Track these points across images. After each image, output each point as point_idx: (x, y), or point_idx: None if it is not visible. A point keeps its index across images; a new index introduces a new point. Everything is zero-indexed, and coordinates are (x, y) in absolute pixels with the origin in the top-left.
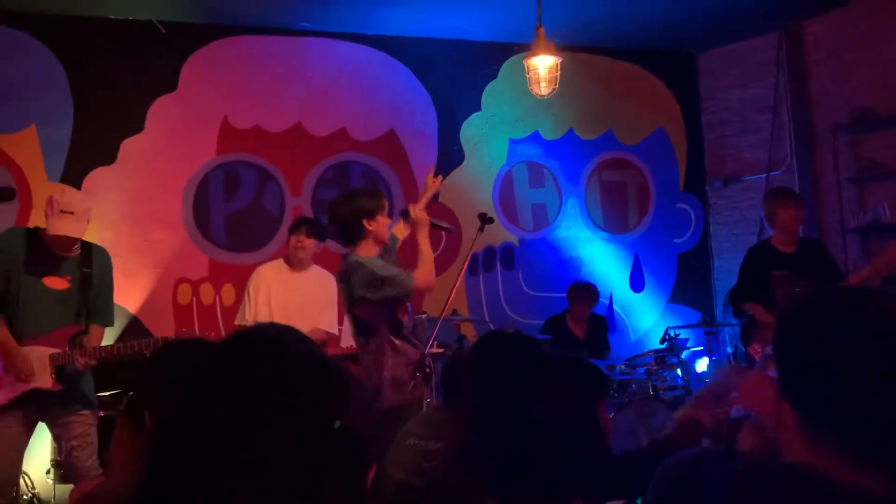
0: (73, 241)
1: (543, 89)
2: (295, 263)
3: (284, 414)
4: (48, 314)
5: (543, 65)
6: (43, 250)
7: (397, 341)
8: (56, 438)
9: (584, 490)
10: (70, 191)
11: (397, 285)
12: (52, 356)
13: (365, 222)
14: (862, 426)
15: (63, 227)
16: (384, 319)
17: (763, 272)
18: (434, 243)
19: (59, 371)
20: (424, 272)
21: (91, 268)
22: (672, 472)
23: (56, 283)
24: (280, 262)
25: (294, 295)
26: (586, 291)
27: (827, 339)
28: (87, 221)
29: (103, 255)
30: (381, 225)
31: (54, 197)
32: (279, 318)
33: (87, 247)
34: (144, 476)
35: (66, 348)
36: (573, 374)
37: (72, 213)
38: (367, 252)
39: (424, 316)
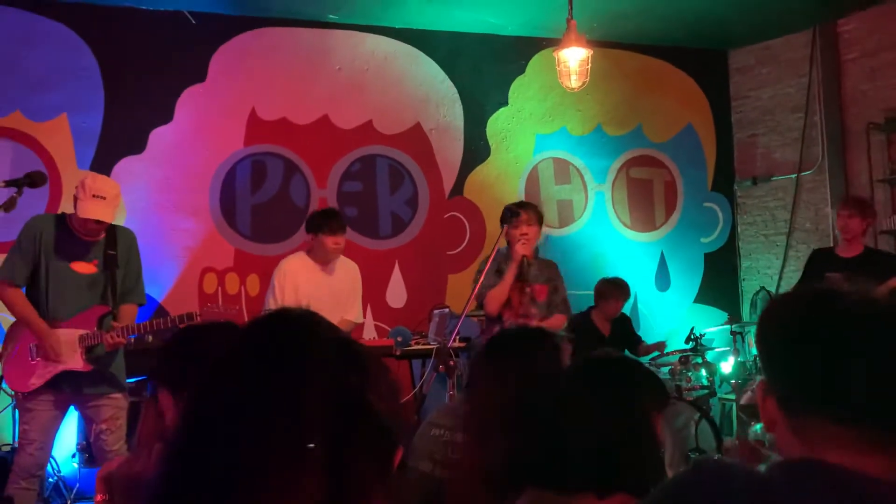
0: (103, 225)
1: (574, 82)
2: (324, 260)
3: (307, 393)
4: (77, 298)
5: (575, 57)
6: (71, 236)
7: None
8: (86, 420)
9: (625, 487)
10: (101, 176)
11: (477, 289)
12: (81, 337)
13: (504, 226)
14: (849, 404)
15: (94, 211)
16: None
17: (819, 274)
18: (458, 237)
19: (89, 352)
20: (491, 295)
21: (116, 249)
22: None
23: (84, 267)
24: (304, 256)
25: (322, 291)
26: (619, 288)
27: (802, 327)
28: (117, 207)
29: (128, 235)
30: (508, 235)
31: (86, 181)
32: None
33: (111, 229)
34: (166, 454)
35: (95, 329)
36: (630, 376)
37: (104, 197)
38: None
39: (447, 310)
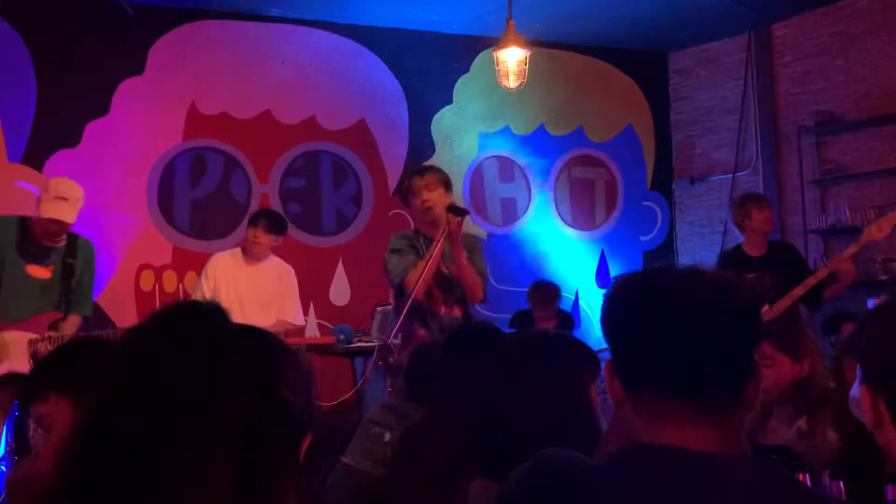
0: (63, 226)
1: (512, 82)
2: (253, 256)
3: (217, 380)
4: (29, 301)
5: (513, 58)
6: (31, 239)
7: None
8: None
9: None
10: (65, 179)
11: (391, 269)
12: (30, 341)
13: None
14: (672, 378)
15: (55, 212)
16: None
17: None
18: None
19: (36, 356)
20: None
21: (75, 259)
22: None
23: (39, 272)
24: (237, 252)
25: (249, 287)
26: (544, 291)
27: (629, 307)
28: (78, 210)
29: (88, 247)
30: (417, 202)
31: (49, 183)
32: (235, 309)
33: (73, 238)
34: (70, 451)
35: (45, 334)
36: (562, 351)
37: (66, 199)
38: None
39: (390, 308)
